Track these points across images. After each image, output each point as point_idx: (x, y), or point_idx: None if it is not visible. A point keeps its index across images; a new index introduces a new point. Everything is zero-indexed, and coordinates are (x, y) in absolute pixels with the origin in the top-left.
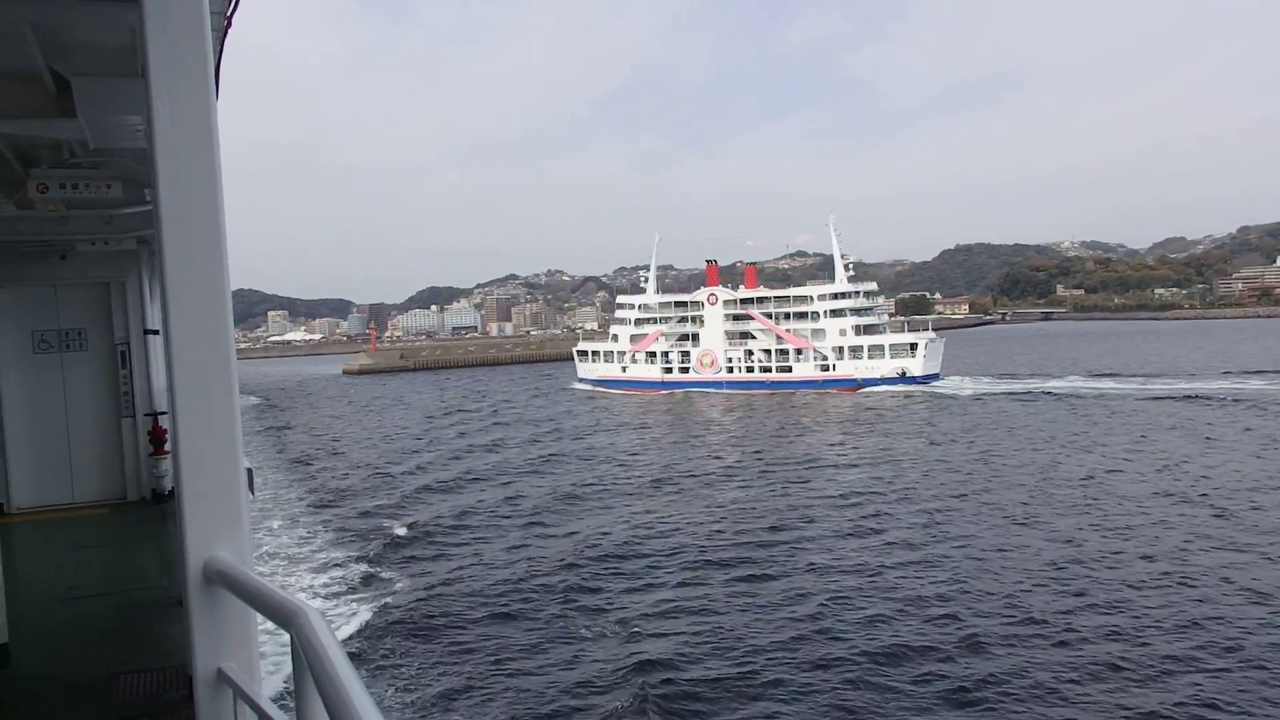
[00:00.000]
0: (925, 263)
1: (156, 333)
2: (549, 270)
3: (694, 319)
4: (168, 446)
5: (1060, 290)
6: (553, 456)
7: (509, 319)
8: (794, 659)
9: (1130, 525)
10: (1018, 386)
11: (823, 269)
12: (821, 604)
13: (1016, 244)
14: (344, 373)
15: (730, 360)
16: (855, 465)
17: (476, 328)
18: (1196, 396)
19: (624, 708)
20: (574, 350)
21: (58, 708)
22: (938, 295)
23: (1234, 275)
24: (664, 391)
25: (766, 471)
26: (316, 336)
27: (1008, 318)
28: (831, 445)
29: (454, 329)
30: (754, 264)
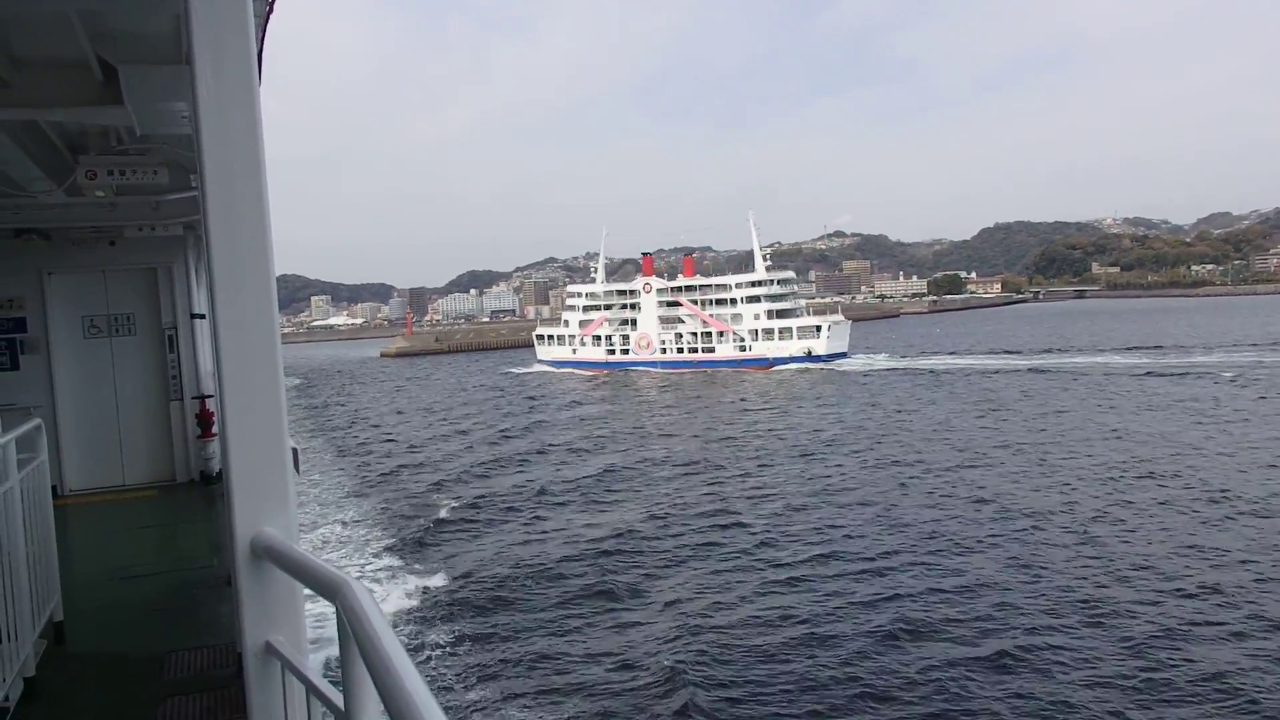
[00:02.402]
0: (964, 241)
1: (203, 317)
2: (587, 253)
3: (633, 306)
4: (215, 429)
5: (1096, 268)
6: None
7: (547, 302)
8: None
9: (940, 463)
10: (909, 364)
11: (860, 249)
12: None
13: (1057, 222)
14: (382, 355)
15: (663, 342)
16: (770, 431)
17: (515, 311)
18: (1042, 370)
19: (660, 681)
20: (533, 335)
21: (112, 684)
22: (973, 275)
23: (1271, 251)
24: (607, 371)
25: (690, 446)
26: (358, 321)
27: (1040, 296)
28: (750, 415)
29: (493, 312)
30: (691, 254)
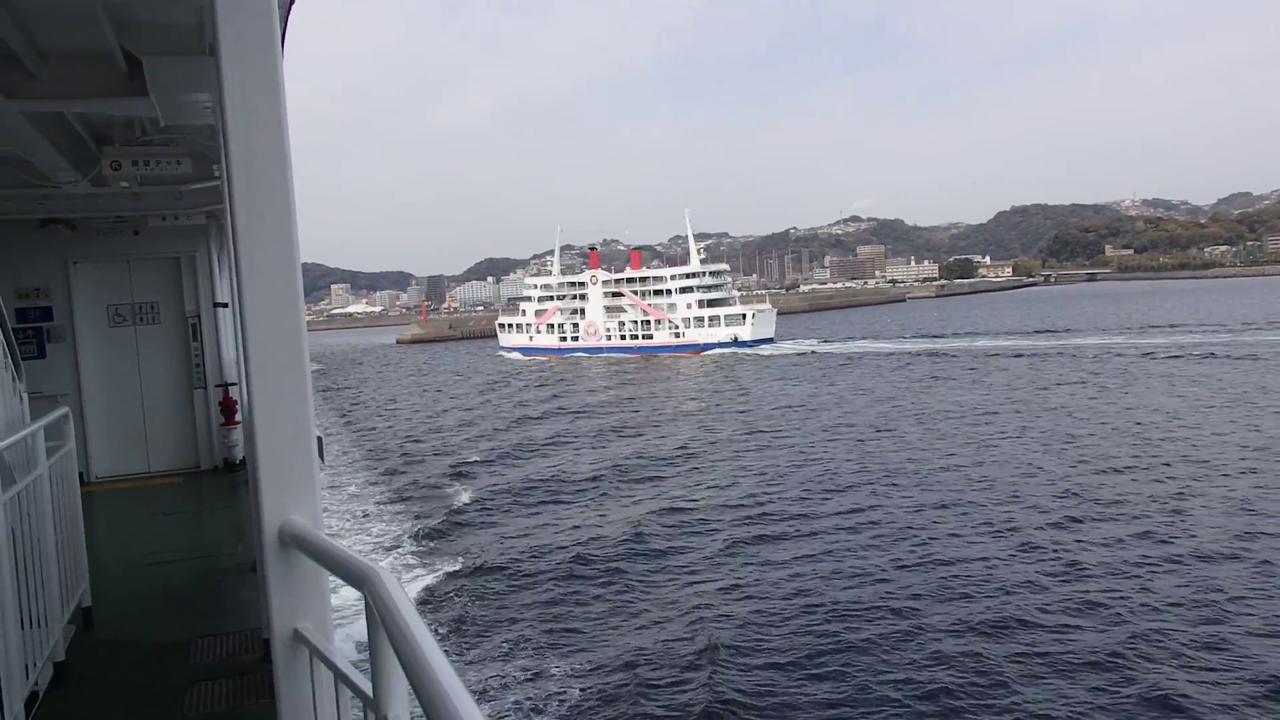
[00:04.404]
0: (980, 225)
1: (226, 305)
2: (604, 240)
3: (581, 296)
4: (238, 417)
5: (1109, 251)
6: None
7: None
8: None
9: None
10: (832, 349)
11: (876, 234)
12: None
13: (1074, 204)
14: (398, 342)
15: (608, 330)
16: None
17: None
18: (938, 353)
19: (688, 666)
20: (496, 324)
21: (139, 670)
22: (986, 259)
23: None
24: (559, 356)
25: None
26: (377, 309)
27: (1052, 280)
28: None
29: (509, 300)
30: (639, 249)
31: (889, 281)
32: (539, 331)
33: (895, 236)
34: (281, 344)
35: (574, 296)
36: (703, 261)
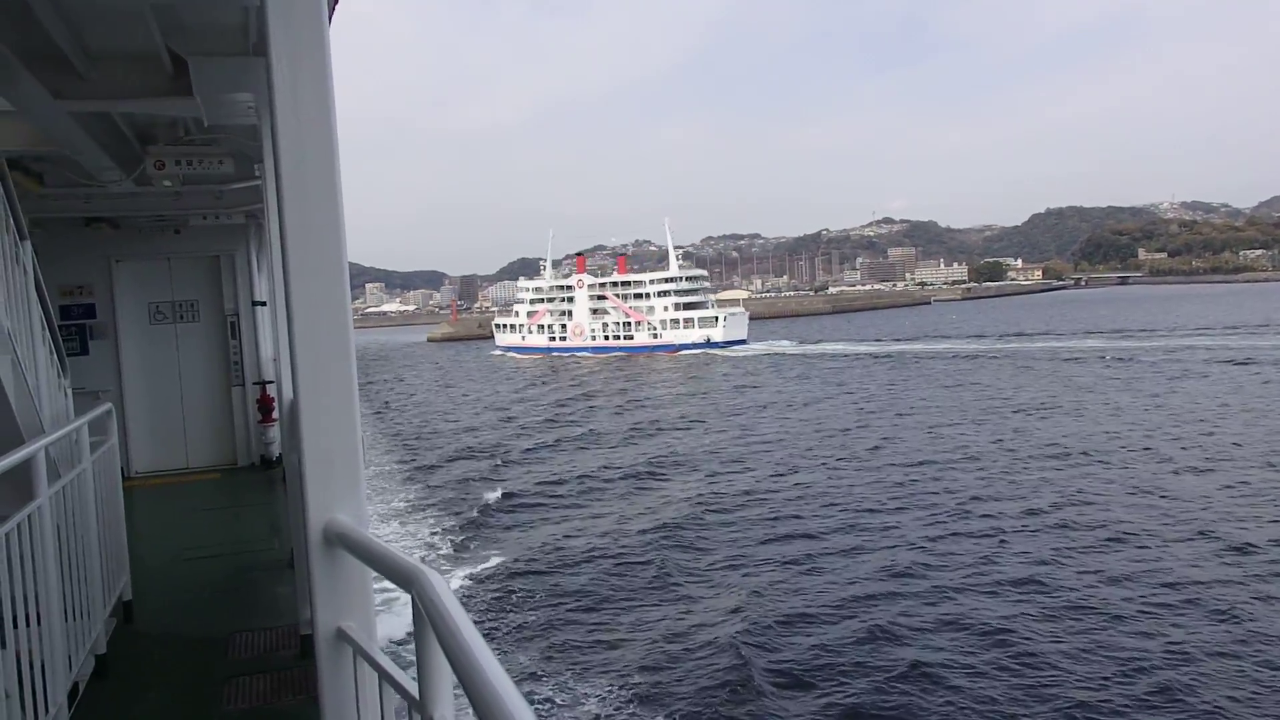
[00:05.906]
0: (1015, 227)
1: (264, 304)
2: (636, 240)
3: (569, 299)
4: (275, 414)
5: (1142, 254)
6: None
7: None
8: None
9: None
10: (794, 349)
11: (909, 235)
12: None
13: (1110, 206)
14: (429, 340)
15: (593, 331)
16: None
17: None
18: (894, 355)
19: (722, 660)
20: (493, 324)
21: (179, 664)
22: (1019, 261)
23: None
24: (549, 355)
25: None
26: (410, 308)
27: (1083, 283)
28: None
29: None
30: (623, 254)
31: (918, 284)
32: (530, 332)
33: (928, 238)
34: (328, 343)
35: (562, 299)
36: (681, 267)
